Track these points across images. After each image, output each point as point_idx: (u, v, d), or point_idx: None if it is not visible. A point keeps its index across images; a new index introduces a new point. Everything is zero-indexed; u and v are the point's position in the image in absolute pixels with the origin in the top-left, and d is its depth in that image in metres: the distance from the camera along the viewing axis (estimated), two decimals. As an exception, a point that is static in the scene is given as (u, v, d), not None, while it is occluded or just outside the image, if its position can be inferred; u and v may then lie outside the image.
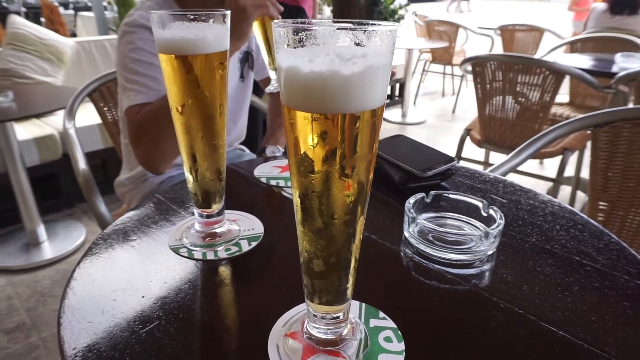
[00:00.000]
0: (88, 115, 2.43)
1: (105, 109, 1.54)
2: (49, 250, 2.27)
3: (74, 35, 5.22)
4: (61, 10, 5.20)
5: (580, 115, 1.19)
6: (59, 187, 2.67)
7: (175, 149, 1.04)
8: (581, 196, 2.55)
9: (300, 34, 0.33)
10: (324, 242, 0.39)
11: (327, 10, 7.23)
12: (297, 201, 0.39)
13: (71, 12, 6.07)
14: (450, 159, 0.81)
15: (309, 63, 0.33)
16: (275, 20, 0.35)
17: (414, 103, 5.17)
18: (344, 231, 0.39)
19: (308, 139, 0.35)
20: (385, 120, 4.48)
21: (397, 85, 5.16)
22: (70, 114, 1.36)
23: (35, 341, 1.71)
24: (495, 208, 0.66)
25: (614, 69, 2.28)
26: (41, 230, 2.32)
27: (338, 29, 0.32)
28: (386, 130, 4.23)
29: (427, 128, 4.41)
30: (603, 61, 2.53)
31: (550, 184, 2.64)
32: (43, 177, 2.56)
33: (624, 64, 2.33)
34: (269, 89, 0.90)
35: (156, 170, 1.06)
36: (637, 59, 2.38)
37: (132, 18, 1.07)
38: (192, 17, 0.53)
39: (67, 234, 2.40)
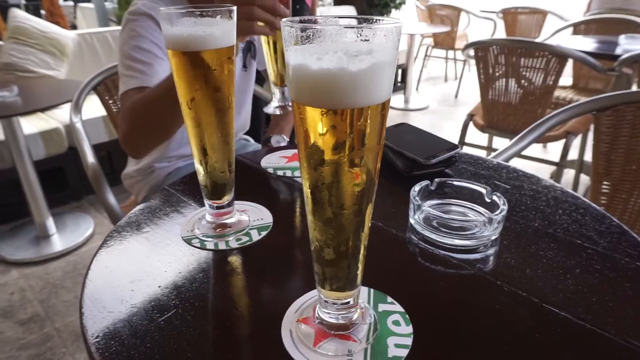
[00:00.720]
0: (92, 107, 2.44)
1: (111, 102, 1.56)
2: (58, 242, 2.30)
3: (74, 27, 5.20)
4: (60, 1, 5.18)
5: (583, 100, 1.20)
6: (66, 180, 2.69)
7: (156, 140, 1.06)
8: (585, 179, 2.55)
9: (308, 32, 0.34)
10: (334, 231, 0.41)
11: (328, -4, 7.15)
12: (307, 192, 0.41)
13: (71, 3, 6.04)
14: (454, 146, 0.82)
15: (318, 60, 0.34)
16: (284, 19, 0.36)
17: (417, 89, 5.16)
18: (353, 220, 0.41)
19: (317, 132, 0.37)
20: (388, 106, 4.47)
21: (400, 71, 5.14)
22: (77, 108, 1.38)
23: (50, 331, 1.75)
24: (498, 194, 0.67)
25: (618, 51, 2.26)
26: (50, 223, 2.35)
27: (345, 27, 0.34)
28: (389, 117, 4.18)
29: (430, 114, 4.40)
30: (607, 43, 2.51)
31: (553, 167, 2.65)
32: (50, 171, 2.58)
33: (628, 45, 2.31)
34: (268, 110, 0.87)
35: (135, 155, 1.13)
36: (641, 41, 2.36)
37: (135, 7, 1.08)
38: (199, 13, 0.55)
39: (76, 227, 2.44)
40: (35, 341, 1.71)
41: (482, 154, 2.77)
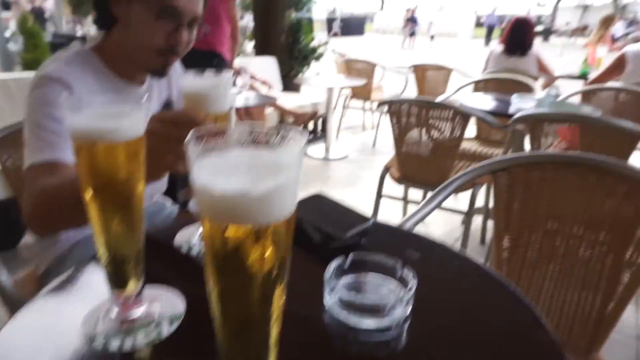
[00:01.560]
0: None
1: (10, 161, 1.43)
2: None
3: (-29, 70, 4.81)
4: (-44, 42, 4.79)
5: (482, 163, 1.32)
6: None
7: (64, 229, 1.03)
8: (492, 224, 2.75)
9: (214, 152, 0.35)
10: (241, 346, 0.40)
11: (249, 46, 7.31)
12: (213, 299, 0.40)
13: (-32, 44, 5.59)
14: (367, 219, 0.86)
15: (224, 180, 0.35)
16: (190, 132, 0.37)
17: (337, 137, 5.34)
18: (264, 322, 0.41)
19: (224, 246, 0.37)
20: (309, 157, 4.58)
21: (320, 121, 5.31)
22: (-32, 172, 1.25)
23: None
24: (408, 268, 0.70)
25: (511, 109, 2.54)
26: None
27: (252, 149, 0.35)
28: (310, 167, 4.32)
29: (349, 163, 4.56)
30: (502, 101, 2.80)
31: (463, 215, 2.83)
32: None
33: (519, 104, 2.60)
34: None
35: (37, 235, 1.13)
36: (530, 100, 2.67)
37: (45, 71, 1.02)
38: (107, 103, 0.53)
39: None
40: None
41: (399, 205, 2.89)
